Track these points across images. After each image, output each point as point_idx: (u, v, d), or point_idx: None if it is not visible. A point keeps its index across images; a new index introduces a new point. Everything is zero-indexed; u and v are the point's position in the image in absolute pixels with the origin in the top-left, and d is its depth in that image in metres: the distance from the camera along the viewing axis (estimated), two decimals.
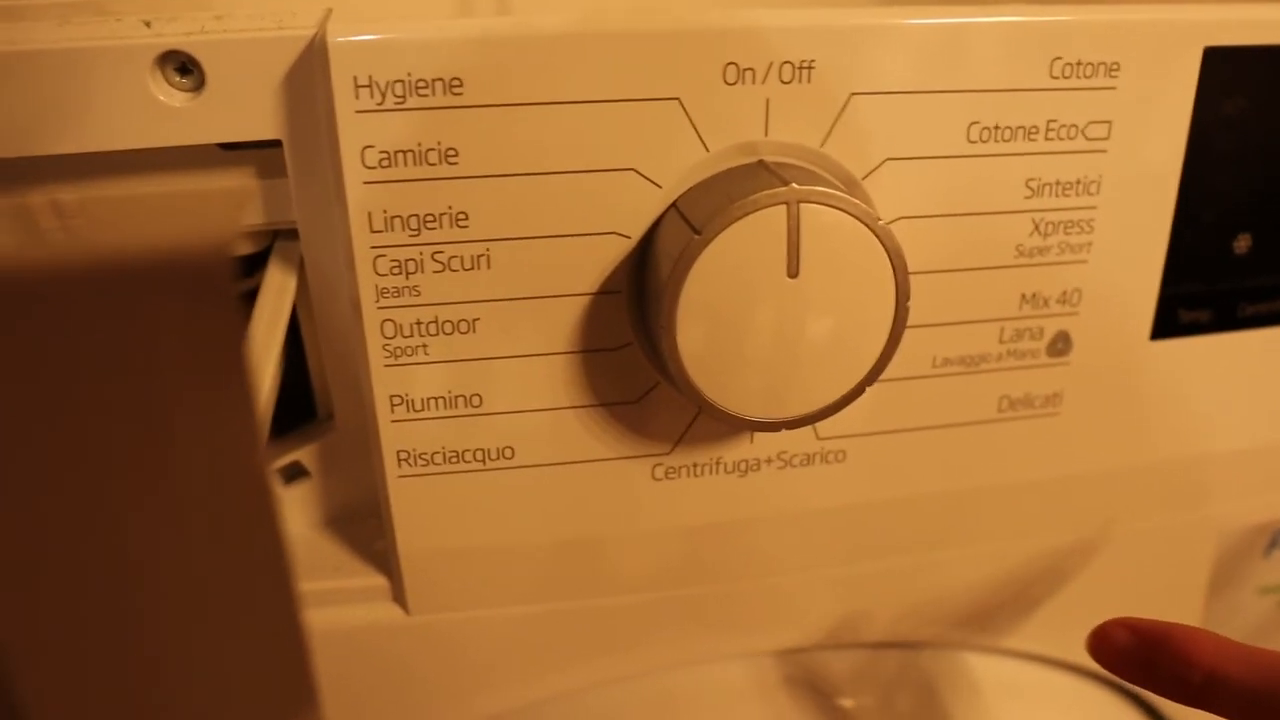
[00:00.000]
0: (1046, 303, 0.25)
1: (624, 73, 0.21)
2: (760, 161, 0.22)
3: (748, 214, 0.20)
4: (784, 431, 0.23)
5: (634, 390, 0.23)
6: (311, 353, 0.26)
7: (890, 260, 0.21)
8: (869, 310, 0.21)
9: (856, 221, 0.21)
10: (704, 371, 0.21)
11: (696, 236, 0.20)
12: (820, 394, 0.22)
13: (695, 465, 0.24)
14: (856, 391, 0.22)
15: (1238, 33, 0.23)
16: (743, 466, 0.24)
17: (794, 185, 0.20)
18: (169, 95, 0.21)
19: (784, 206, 0.20)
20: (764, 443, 0.24)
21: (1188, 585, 0.31)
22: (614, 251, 0.22)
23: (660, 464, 0.24)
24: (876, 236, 0.21)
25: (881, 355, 0.22)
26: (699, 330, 0.21)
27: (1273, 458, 0.29)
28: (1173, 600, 0.31)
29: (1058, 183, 0.24)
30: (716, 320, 0.21)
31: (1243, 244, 0.26)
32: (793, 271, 0.21)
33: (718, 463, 0.24)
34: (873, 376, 0.22)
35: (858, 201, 0.20)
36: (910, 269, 0.23)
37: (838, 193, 0.20)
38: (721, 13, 0.21)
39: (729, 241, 0.20)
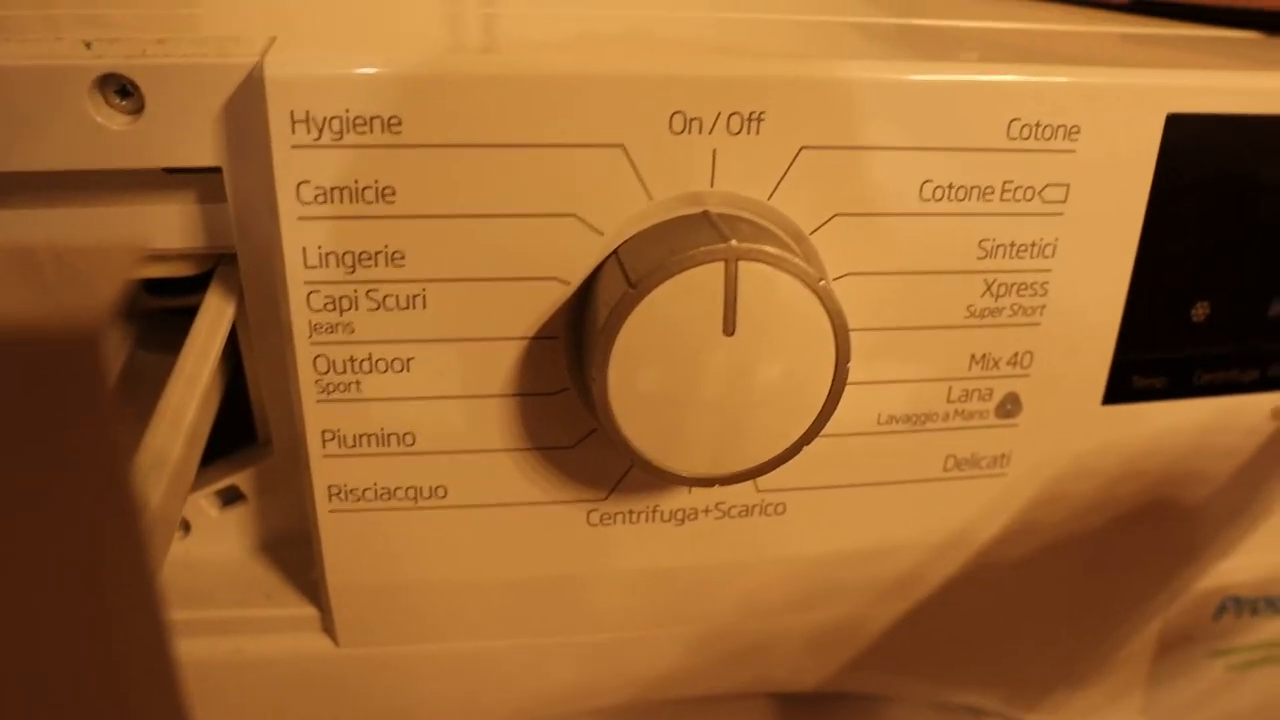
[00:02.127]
0: (997, 364, 0.24)
1: (568, 118, 0.20)
2: (704, 213, 0.21)
3: (685, 269, 0.20)
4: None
5: (570, 435, 0.23)
6: (251, 378, 0.25)
7: (830, 321, 0.21)
8: (807, 370, 0.21)
9: (796, 281, 0.20)
10: (635, 424, 0.21)
11: (631, 289, 0.20)
12: (754, 452, 0.21)
13: (631, 512, 0.24)
14: (792, 451, 0.22)
15: (1201, 100, 0.23)
16: (680, 515, 0.24)
17: (733, 242, 0.20)
18: (108, 118, 0.21)
19: (722, 263, 0.20)
20: (702, 492, 0.24)
21: (1135, 646, 0.30)
22: (552, 297, 0.22)
23: (595, 509, 0.24)
24: (817, 296, 0.20)
25: (819, 416, 0.21)
26: (631, 382, 0.20)
27: (1221, 523, 0.29)
28: (1119, 661, 0.31)
29: (1012, 244, 0.23)
30: (650, 373, 0.20)
31: (1200, 312, 0.25)
32: (729, 329, 0.20)
33: (654, 510, 0.24)
34: (809, 437, 0.22)
35: (798, 261, 0.20)
36: (858, 326, 0.23)
37: (778, 251, 0.20)
38: (669, 60, 0.21)
39: (665, 295, 0.20)
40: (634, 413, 0.21)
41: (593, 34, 0.24)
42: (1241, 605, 0.31)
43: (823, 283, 0.20)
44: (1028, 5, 0.27)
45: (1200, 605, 0.30)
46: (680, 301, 0.20)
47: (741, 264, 0.20)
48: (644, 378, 0.21)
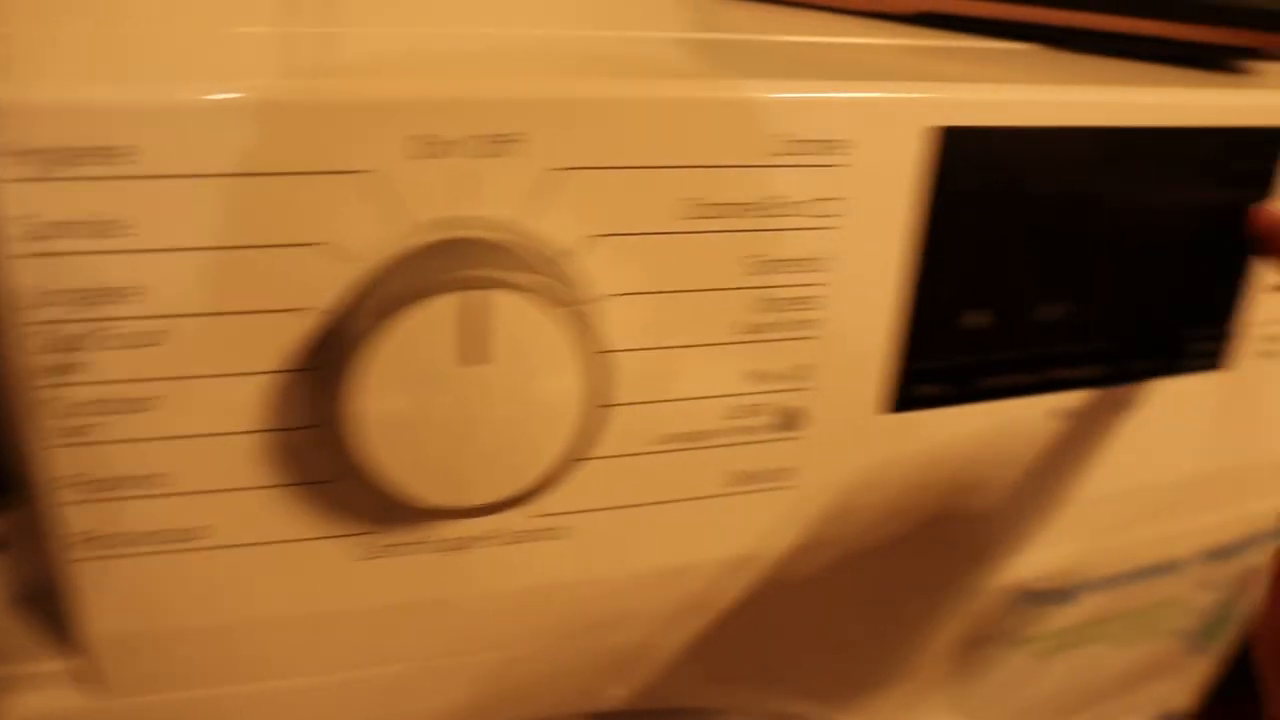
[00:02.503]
0: (775, 378, 0.24)
1: (314, 144, 0.19)
2: (454, 239, 0.20)
3: (426, 298, 0.19)
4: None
5: (330, 470, 0.22)
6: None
7: (583, 346, 0.20)
8: (561, 396, 0.20)
9: (544, 306, 0.20)
10: (383, 457, 0.20)
11: (372, 320, 0.19)
12: (509, 482, 0.21)
13: (401, 544, 0.23)
14: (550, 477, 0.21)
15: (970, 113, 0.23)
16: (453, 544, 0.23)
17: (475, 270, 0.19)
18: None
19: (463, 292, 0.19)
20: (477, 520, 0.23)
21: (937, 644, 0.31)
22: (304, 328, 0.21)
23: (362, 543, 0.23)
24: (567, 322, 0.20)
25: (578, 441, 0.21)
26: (378, 415, 0.20)
27: (1011, 522, 0.29)
28: (924, 659, 0.31)
29: (784, 260, 0.23)
30: (396, 405, 0.20)
31: (979, 319, 0.26)
32: (475, 358, 0.20)
33: (425, 541, 0.23)
34: (570, 459, 0.21)
35: (545, 286, 0.20)
36: (628, 346, 0.23)
37: (523, 277, 0.19)
38: (420, 82, 0.20)
39: (408, 325, 0.19)
40: (380, 444, 0.20)
41: (370, 55, 0.23)
42: (1037, 598, 0.32)
43: (573, 308, 0.20)
44: (819, 18, 0.27)
45: (997, 601, 0.31)
46: (423, 331, 0.19)
47: (484, 292, 0.19)
48: (391, 410, 0.20)
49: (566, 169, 0.21)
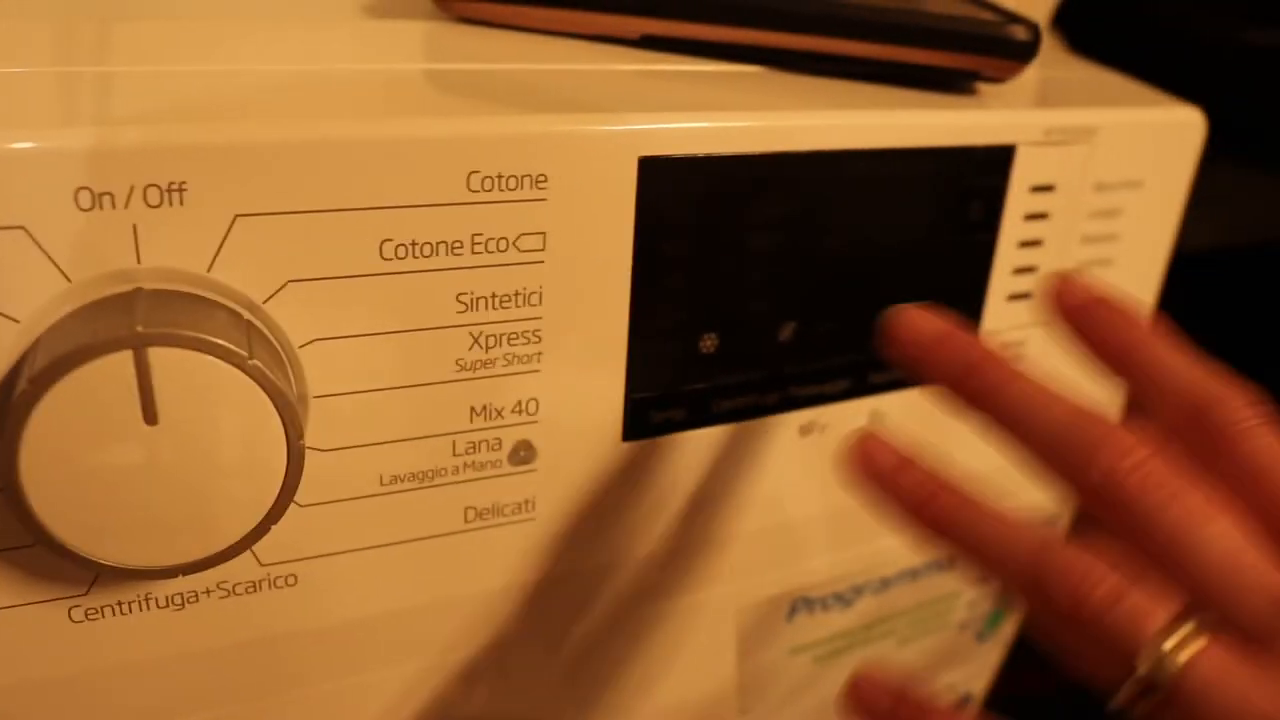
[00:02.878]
0: (500, 413, 0.24)
1: None
2: (124, 294, 0.20)
3: (89, 360, 0.18)
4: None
5: (27, 534, 0.21)
6: None
7: (270, 399, 0.20)
8: (257, 449, 0.20)
9: (219, 361, 0.19)
10: (66, 521, 0.19)
11: (28, 386, 0.18)
12: (216, 537, 0.20)
13: (120, 603, 0.22)
14: (260, 530, 0.21)
15: (671, 143, 0.24)
16: (178, 600, 0.23)
17: (139, 328, 0.19)
18: None
19: (130, 351, 0.19)
20: (199, 575, 0.23)
21: (718, 655, 0.32)
22: None
23: (78, 606, 0.22)
24: (248, 375, 0.19)
25: (281, 493, 0.21)
26: (53, 481, 0.19)
27: (767, 537, 0.30)
28: (706, 668, 0.32)
29: (494, 295, 0.23)
30: (72, 470, 0.19)
31: (709, 343, 0.26)
32: (150, 417, 0.19)
33: (147, 598, 0.23)
34: (275, 514, 0.21)
35: (218, 341, 0.19)
36: (337, 391, 0.22)
37: (191, 333, 0.19)
38: (71, 131, 0.19)
39: (73, 388, 0.18)
40: (62, 510, 0.19)
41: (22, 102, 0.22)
42: (812, 604, 0.32)
43: (253, 361, 0.19)
44: (548, 43, 0.27)
45: (772, 610, 0.32)
46: (92, 393, 0.19)
47: (151, 350, 0.19)
48: (65, 473, 0.19)
49: (247, 215, 0.20)
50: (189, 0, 0.27)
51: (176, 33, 0.25)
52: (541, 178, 0.22)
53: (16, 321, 0.20)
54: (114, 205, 0.19)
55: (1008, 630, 0.41)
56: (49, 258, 0.19)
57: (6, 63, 0.22)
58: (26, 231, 0.19)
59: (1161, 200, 0.32)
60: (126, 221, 0.20)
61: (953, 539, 0.23)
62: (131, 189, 0.19)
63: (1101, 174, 0.30)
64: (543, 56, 0.26)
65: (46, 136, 0.19)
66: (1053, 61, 0.37)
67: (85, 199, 0.19)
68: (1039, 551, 0.22)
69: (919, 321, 0.24)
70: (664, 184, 0.24)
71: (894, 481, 0.24)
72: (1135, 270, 0.33)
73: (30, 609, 0.22)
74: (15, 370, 0.20)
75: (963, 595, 0.37)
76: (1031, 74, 0.34)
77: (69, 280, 0.20)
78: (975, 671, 0.41)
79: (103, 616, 0.22)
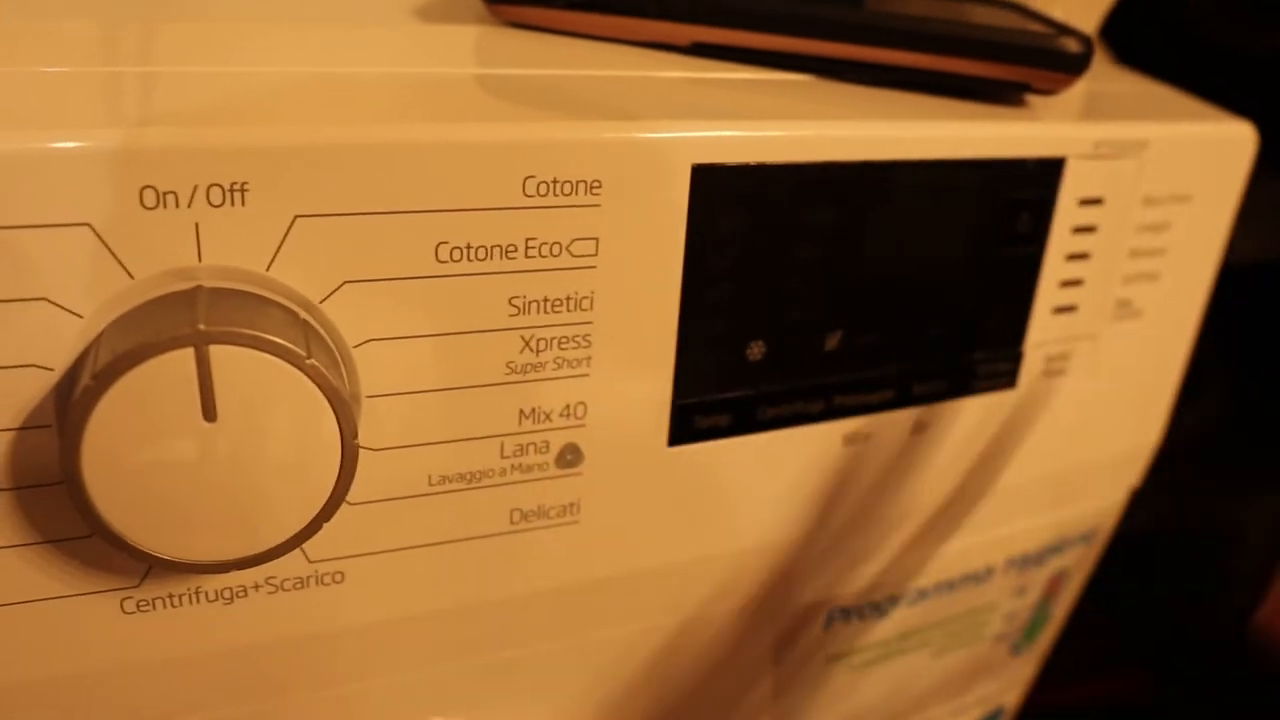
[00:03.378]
0: (548, 417, 0.24)
1: (25, 197, 0.19)
2: (186, 292, 0.20)
3: (151, 356, 0.19)
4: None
5: (84, 525, 0.22)
6: None
7: (326, 398, 0.20)
8: (310, 448, 0.20)
9: (278, 360, 0.19)
10: (125, 515, 0.20)
11: (91, 382, 0.19)
12: (266, 535, 0.21)
13: (171, 596, 0.23)
14: (310, 529, 0.21)
15: (725, 150, 0.24)
16: (227, 594, 0.23)
17: (201, 326, 0.19)
18: None
19: (191, 348, 0.19)
20: (249, 570, 0.23)
21: (755, 662, 0.32)
22: (37, 385, 0.20)
23: (130, 597, 0.22)
24: (305, 374, 0.20)
25: (333, 493, 0.21)
26: (113, 474, 0.19)
27: (809, 546, 0.30)
28: (740, 675, 0.32)
29: (546, 300, 0.23)
30: (131, 464, 0.19)
31: (756, 351, 0.26)
32: (210, 415, 0.19)
33: (197, 592, 0.23)
34: (327, 513, 0.21)
35: (277, 340, 0.19)
36: (389, 391, 0.22)
37: (252, 332, 0.19)
38: (136, 131, 0.19)
39: (135, 383, 0.19)
40: (119, 503, 0.20)
41: (102, 100, 0.22)
42: (848, 614, 0.32)
43: (310, 361, 0.20)
44: (598, 49, 0.27)
45: (808, 620, 0.32)
46: (153, 389, 0.19)
47: (212, 348, 0.19)
48: (126, 468, 0.19)
49: (307, 216, 0.20)
50: (242, 3, 0.27)
51: (231, 35, 0.25)
52: (596, 184, 0.23)
53: (80, 317, 0.20)
54: (177, 204, 0.20)
55: (1043, 643, 0.41)
56: (113, 254, 0.20)
57: (64, 62, 0.22)
58: (91, 228, 0.19)
59: (1211, 214, 0.32)
60: (189, 220, 0.20)
61: None
62: (195, 189, 0.20)
63: (1151, 188, 0.30)
64: (593, 62, 0.27)
65: (111, 136, 0.19)
66: (1101, 75, 0.36)
67: (150, 198, 0.19)
68: None
69: None
70: (716, 191, 0.24)
71: None
72: (1182, 284, 0.33)
73: (85, 599, 0.22)
74: (78, 365, 0.20)
75: (1000, 608, 0.37)
76: (1080, 86, 0.34)
77: (131, 277, 0.20)
78: (1008, 684, 0.41)
79: (154, 609, 0.23)
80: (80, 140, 0.19)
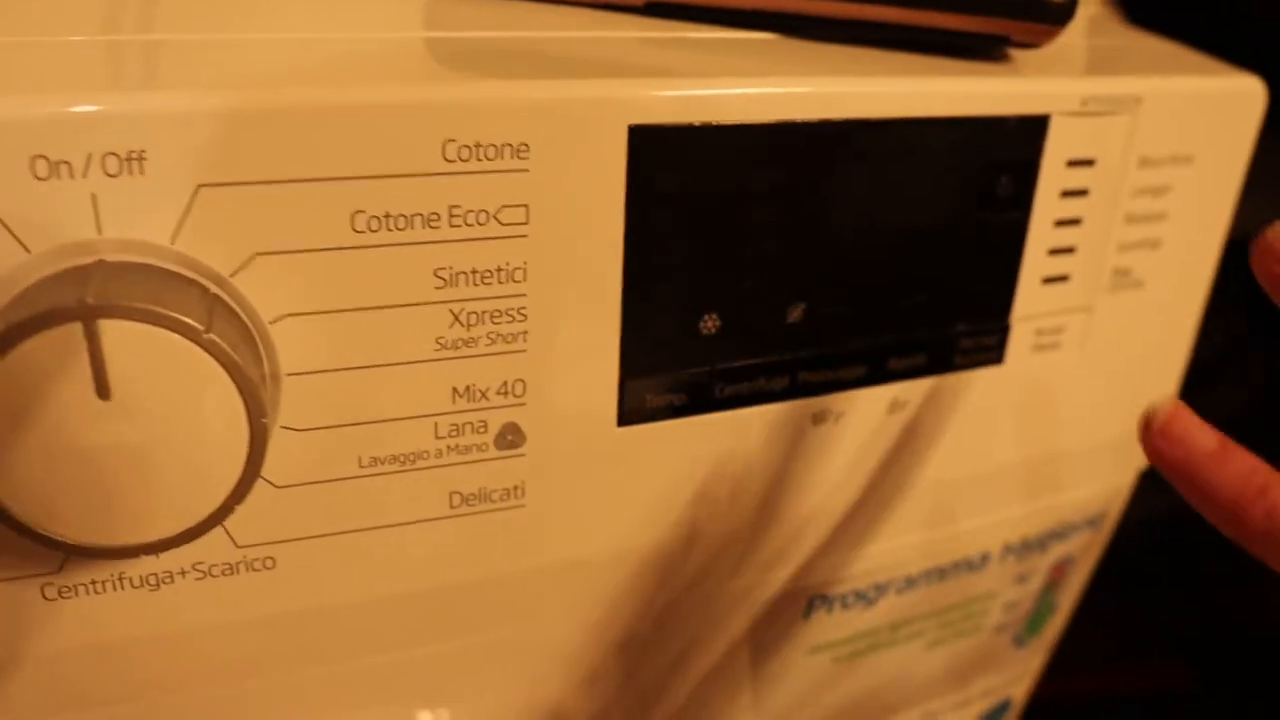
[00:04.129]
0: (485, 395, 0.23)
1: None
2: (96, 263, 0.19)
3: (37, 332, 0.18)
4: (197, 542, 0.21)
5: None
6: None
7: (230, 374, 0.19)
8: (216, 427, 0.19)
9: (174, 335, 0.18)
10: (25, 500, 0.19)
11: None
12: (175, 518, 0.20)
13: (94, 582, 0.22)
14: (225, 510, 0.20)
15: (665, 110, 0.22)
16: (152, 580, 0.22)
17: (88, 299, 0.18)
18: None
19: (79, 323, 0.18)
20: (174, 555, 0.22)
21: (729, 653, 0.30)
22: None
23: (50, 583, 0.22)
24: (204, 349, 0.19)
25: (244, 474, 0.20)
26: (8, 456, 0.19)
27: (778, 531, 0.28)
28: (716, 666, 0.30)
29: (474, 271, 0.22)
30: (28, 446, 0.18)
31: (710, 324, 0.25)
32: (104, 392, 0.19)
33: (121, 578, 0.22)
34: (240, 493, 0.20)
35: (170, 313, 0.18)
36: (310, 369, 0.21)
37: (142, 305, 0.18)
38: (23, 99, 0.19)
39: (23, 361, 0.18)
40: (17, 486, 0.19)
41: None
42: (830, 601, 0.31)
43: (209, 335, 0.19)
44: (548, 12, 0.26)
45: (786, 608, 0.30)
46: (42, 366, 0.18)
47: (103, 322, 0.18)
48: (19, 449, 0.19)
49: (210, 185, 0.19)
50: None
51: (182, 4, 0.24)
52: (523, 147, 0.21)
53: None
54: (71, 175, 0.19)
55: (1050, 634, 0.39)
56: (7, 228, 0.19)
57: None
58: None
59: (1216, 177, 0.30)
60: (85, 191, 0.19)
61: None
62: (89, 158, 0.19)
63: (1147, 148, 0.28)
64: (544, 24, 0.25)
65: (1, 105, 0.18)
66: (1103, 31, 0.34)
67: (42, 168, 0.19)
68: None
69: None
70: (657, 154, 0.22)
71: (1214, 471, 0.20)
72: (1186, 252, 0.31)
73: (4, 585, 0.22)
74: None
75: (999, 597, 0.35)
76: (1077, 41, 0.32)
77: (28, 251, 0.19)
78: (1014, 676, 0.39)
79: (76, 595, 0.22)
80: None
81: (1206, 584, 0.61)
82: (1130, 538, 0.46)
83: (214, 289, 0.20)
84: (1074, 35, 0.34)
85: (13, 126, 0.18)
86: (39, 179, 0.19)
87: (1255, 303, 0.31)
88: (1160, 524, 0.44)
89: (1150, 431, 0.21)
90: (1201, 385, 0.43)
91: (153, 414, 0.19)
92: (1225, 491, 0.20)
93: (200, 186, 0.20)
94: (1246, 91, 0.29)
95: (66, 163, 0.19)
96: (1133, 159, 0.28)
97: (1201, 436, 0.21)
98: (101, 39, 0.21)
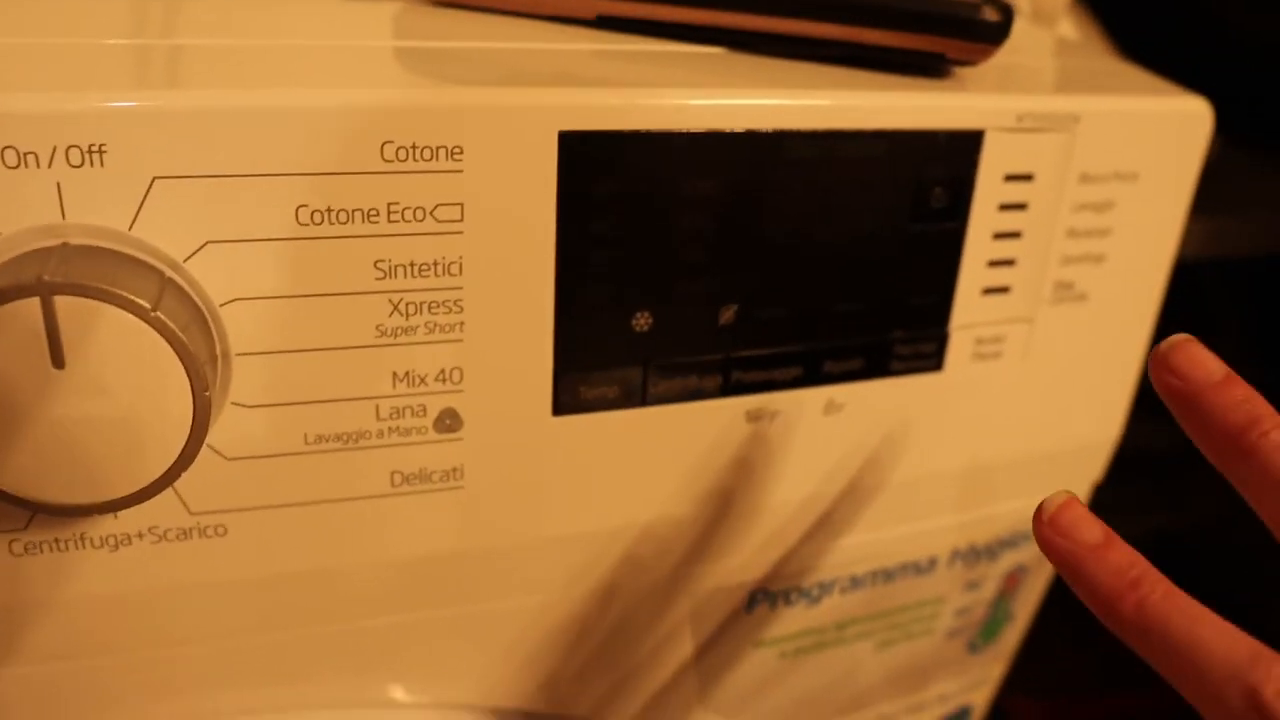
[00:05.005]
0: (424, 380, 0.25)
1: None
2: (60, 245, 0.21)
3: (3, 303, 0.20)
4: (152, 506, 0.23)
5: None
6: None
7: (175, 350, 0.21)
8: (161, 400, 0.21)
9: (123, 312, 0.20)
10: None
11: None
12: (124, 481, 0.22)
13: (57, 540, 0.24)
14: (170, 476, 0.22)
15: (595, 118, 0.24)
16: (111, 541, 0.24)
17: (45, 276, 0.20)
18: None
19: (37, 298, 0.20)
20: (132, 517, 0.24)
21: (674, 641, 0.31)
22: None
23: (17, 540, 0.24)
24: (151, 326, 0.21)
25: (188, 441, 0.22)
26: None
27: (714, 525, 0.29)
28: (663, 660, 0.32)
29: (413, 264, 0.24)
30: None
31: (642, 321, 0.26)
32: (58, 362, 0.20)
33: (82, 538, 0.24)
34: (185, 461, 0.22)
35: (120, 292, 0.20)
36: (258, 350, 0.23)
37: (95, 284, 0.20)
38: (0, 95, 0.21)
39: None
40: None
41: None
42: (773, 596, 0.32)
43: (155, 313, 0.21)
44: (507, 24, 0.28)
45: (729, 599, 0.31)
46: (3, 337, 0.20)
47: (58, 298, 0.20)
48: None
49: (165, 177, 0.21)
50: None
51: (174, 8, 0.26)
52: (457, 149, 0.23)
53: None
54: (38, 164, 0.21)
55: (1008, 642, 0.39)
56: None
57: None
58: None
59: (1161, 195, 0.31)
60: (51, 180, 0.21)
61: (1157, 636, 0.21)
62: (54, 150, 0.21)
63: (1088, 165, 0.29)
64: (500, 36, 0.27)
65: None
66: (1073, 52, 0.35)
67: (11, 157, 0.21)
68: (1252, 664, 0.20)
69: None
70: (587, 159, 0.24)
71: (1093, 564, 0.22)
72: (1132, 267, 0.31)
73: None
74: None
75: (948, 602, 0.36)
76: (1041, 62, 0.33)
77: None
78: (971, 683, 0.39)
79: (41, 552, 0.24)
80: None
81: (1217, 605, 0.61)
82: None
83: (169, 272, 0.22)
84: (1040, 56, 0.35)
85: None
86: (9, 167, 0.21)
87: (1247, 327, 0.31)
88: (1167, 541, 0.44)
89: (1040, 522, 0.22)
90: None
91: (103, 384, 0.21)
92: (1102, 584, 0.21)
93: (156, 178, 0.21)
94: (1192, 112, 0.30)
95: (33, 153, 0.21)
96: (1073, 175, 0.29)
97: (1086, 530, 0.22)
98: (74, 41, 0.23)
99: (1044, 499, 0.23)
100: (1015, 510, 0.35)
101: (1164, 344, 0.23)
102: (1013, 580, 0.37)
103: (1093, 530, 0.22)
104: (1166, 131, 0.30)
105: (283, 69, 0.23)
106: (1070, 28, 0.39)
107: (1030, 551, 0.36)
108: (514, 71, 0.24)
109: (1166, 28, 0.43)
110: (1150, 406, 0.36)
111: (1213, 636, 0.21)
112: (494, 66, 0.25)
